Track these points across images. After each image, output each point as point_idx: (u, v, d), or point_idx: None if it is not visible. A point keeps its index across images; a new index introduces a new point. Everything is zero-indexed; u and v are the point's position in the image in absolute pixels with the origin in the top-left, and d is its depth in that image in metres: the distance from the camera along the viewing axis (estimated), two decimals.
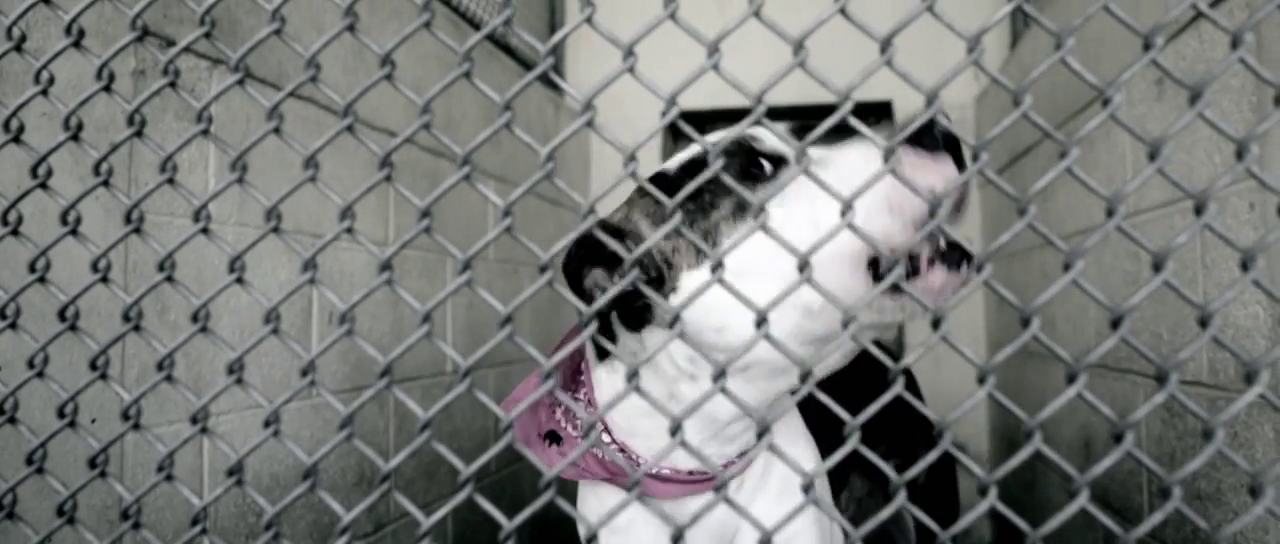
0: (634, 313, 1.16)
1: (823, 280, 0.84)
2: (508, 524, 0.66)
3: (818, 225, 1.00)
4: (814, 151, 1.07)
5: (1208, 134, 1.78)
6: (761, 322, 0.66)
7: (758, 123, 0.69)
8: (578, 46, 4.22)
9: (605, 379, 1.25)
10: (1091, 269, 2.42)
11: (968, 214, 1.04)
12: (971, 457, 3.80)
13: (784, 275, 0.90)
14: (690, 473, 1.21)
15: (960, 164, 1.01)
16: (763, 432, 0.66)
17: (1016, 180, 3.27)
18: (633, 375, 0.67)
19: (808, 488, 0.66)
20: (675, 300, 1.10)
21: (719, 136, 1.12)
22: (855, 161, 1.02)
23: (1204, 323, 0.65)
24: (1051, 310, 2.84)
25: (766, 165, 1.08)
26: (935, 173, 0.98)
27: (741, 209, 1.06)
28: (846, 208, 0.66)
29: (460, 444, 2.76)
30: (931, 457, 0.66)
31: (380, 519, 2.33)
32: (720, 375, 0.66)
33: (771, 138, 1.10)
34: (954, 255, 0.98)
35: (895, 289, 0.98)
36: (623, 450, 1.24)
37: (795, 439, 1.37)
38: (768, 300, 0.68)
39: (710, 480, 1.20)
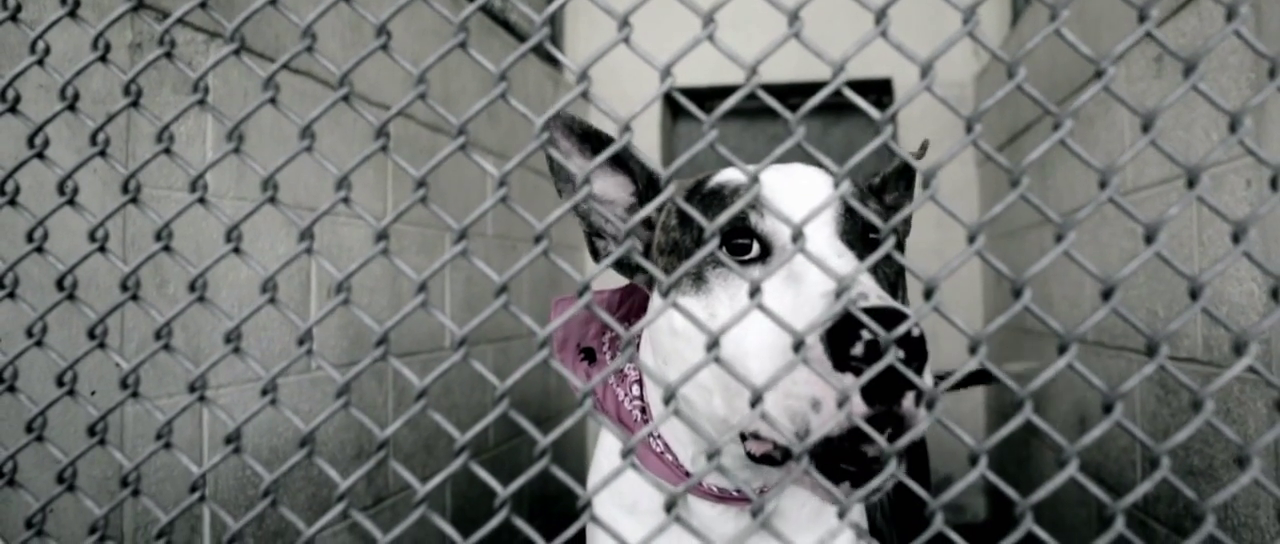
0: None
1: (758, 367, 0.91)
2: (503, 492, 0.67)
3: (746, 326, 0.94)
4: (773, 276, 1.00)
5: (1206, 111, 1.78)
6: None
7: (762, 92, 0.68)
8: (577, 23, 4.20)
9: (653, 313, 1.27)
10: (1089, 247, 2.42)
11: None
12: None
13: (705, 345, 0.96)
14: (687, 473, 1.21)
15: (893, 396, 0.84)
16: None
17: (1015, 157, 3.27)
18: (629, 344, 0.67)
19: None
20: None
21: (732, 179, 1.14)
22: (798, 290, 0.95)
23: (1195, 294, 0.66)
24: (1048, 288, 2.84)
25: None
26: (826, 391, 0.85)
27: (722, 263, 1.05)
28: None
29: (459, 417, 2.78)
30: (926, 424, 0.67)
31: (379, 492, 2.34)
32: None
33: (770, 223, 1.06)
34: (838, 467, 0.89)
35: (763, 460, 1.03)
36: (644, 410, 1.25)
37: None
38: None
39: (705, 489, 1.20)
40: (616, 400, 1.26)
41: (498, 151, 3.11)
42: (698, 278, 1.06)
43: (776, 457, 1.00)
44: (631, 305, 1.38)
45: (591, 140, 1.18)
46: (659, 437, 1.24)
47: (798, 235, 0.64)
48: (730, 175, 1.16)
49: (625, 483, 1.25)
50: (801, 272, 0.94)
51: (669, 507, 0.67)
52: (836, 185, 0.66)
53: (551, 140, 1.11)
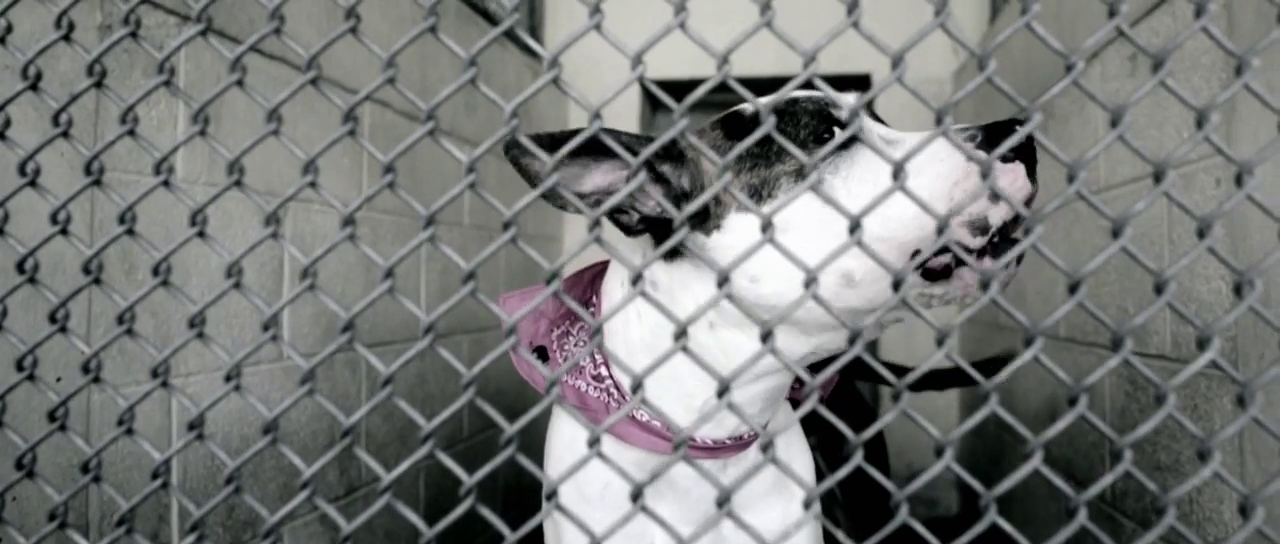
0: (665, 238, 1.13)
1: (868, 259, 0.90)
2: (468, 480, 0.66)
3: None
4: (887, 132, 1.15)
5: (1178, 110, 1.80)
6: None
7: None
8: (556, 15, 4.18)
9: (620, 298, 1.21)
10: (1062, 245, 2.45)
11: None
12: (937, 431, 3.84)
13: (831, 241, 0.99)
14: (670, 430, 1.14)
15: (1032, 173, 1.07)
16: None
17: None
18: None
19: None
20: (717, 237, 1.11)
21: (805, 95, 1.14)
22: (926, 148, 1.03)
23: (1160, 289, 0.66)
24: (1022, 284, 2.87)
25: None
26: (1008, 176, 1.04)
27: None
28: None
29: (433, 408, 2.76)
30: (889, 417, 0.67)
31: (352, 482, 2.33)
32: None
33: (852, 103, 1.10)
34: (1000, 252, 1.02)
35: (937, 276, 1.06)
36: (617, 387, 1.19)
37: (791, 444, 1.31)
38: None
39: (688, 444, 1.15)
40: (578, 393, 1.21)
41: (475, 141, 3.10)
42: (768, 190, 1.09)
43: (950, 263, 1.07)
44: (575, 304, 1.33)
45: (561, 142, 1.09)
46: (609, 377, 1.20)
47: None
48: (776, 100, 1.11)
49: (579, 447, 1.21)
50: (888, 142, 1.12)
51: (634, 494, 0.67)
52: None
53: (519, 162, 1.06)
